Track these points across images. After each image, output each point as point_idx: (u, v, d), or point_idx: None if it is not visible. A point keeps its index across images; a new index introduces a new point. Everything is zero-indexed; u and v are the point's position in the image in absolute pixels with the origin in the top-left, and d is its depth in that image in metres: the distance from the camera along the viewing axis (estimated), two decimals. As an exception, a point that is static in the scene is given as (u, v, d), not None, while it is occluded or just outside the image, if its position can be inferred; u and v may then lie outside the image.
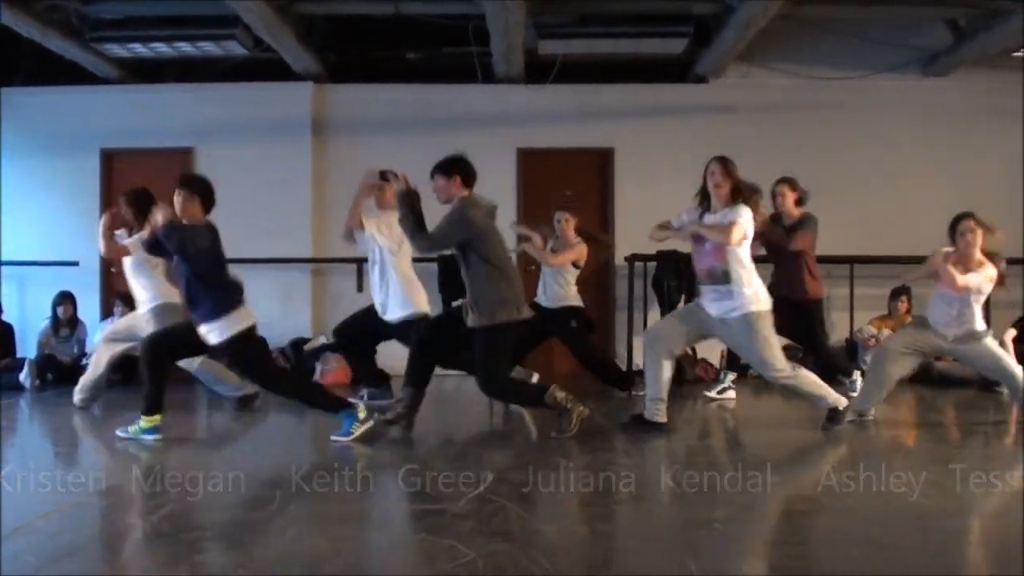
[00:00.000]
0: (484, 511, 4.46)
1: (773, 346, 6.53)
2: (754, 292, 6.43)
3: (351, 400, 6.53)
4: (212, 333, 6.31)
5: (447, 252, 9.74)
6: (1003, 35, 9.61)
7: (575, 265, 8.80)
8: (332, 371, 9.93)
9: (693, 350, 10.25)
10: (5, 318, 10.53)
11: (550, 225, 8.91)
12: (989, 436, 7.20)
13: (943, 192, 10.95)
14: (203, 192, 6.49)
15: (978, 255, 7.05)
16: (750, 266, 6.48)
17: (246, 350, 6.47)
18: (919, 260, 10.63)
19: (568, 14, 9.95)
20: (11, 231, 10.91)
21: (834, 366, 8.64)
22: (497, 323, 6.34)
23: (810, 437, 6.72)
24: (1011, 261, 10.61)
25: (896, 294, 10.36)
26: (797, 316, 8.07)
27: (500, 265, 6.41)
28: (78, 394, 7.97)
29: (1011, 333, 9.47)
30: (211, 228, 6.47)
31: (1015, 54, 10.40)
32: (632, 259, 10.46)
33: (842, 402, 6.75)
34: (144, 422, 6.40)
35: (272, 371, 6.83)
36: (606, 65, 11.05)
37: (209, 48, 10.19)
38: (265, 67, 10.75)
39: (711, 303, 6.55)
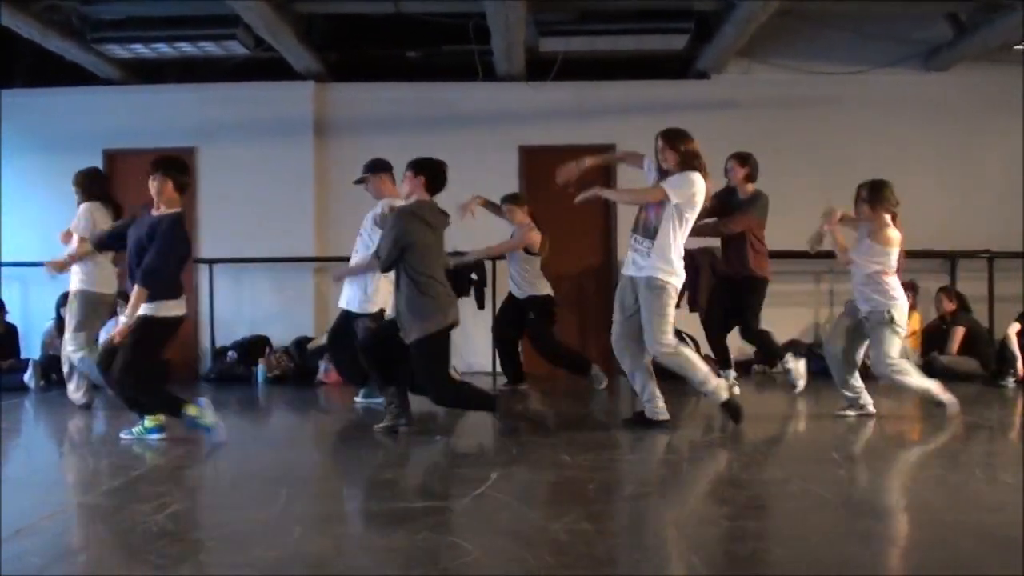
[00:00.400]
0: (487, 508, 4.46)
1: (666, 321, 6.50)
2: (670, 263, 6.46)
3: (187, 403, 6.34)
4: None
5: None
6: (1004, 29, 9.60)
7: (528, 252, 8.84)
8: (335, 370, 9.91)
9: (697, 347, 10.25)
10: (8, 319, 10.54)
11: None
12: (994, 431, 7.19)
13: (945, 187, 10.96)
14: (177, 173, 6.42)
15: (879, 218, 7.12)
16: (680, 241, 6.50)
17: (149, 332, 6.31)
18: (922, 255, 10.70)
19: (568, 11, 9.95)
20: (13, 232, 10.90)
21: (768, 348, 8.65)
22: (426, 335, 6.38)
23: (814, 432, 6.72)
24: (1012, 255, 10.69)
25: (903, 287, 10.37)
26: (740, 292, 8.23)
27: (423, 280, 6.40)
28: (77, 400, 8.01)
29: (1015, 327, 9.44)
30: (183, 215, 6.45)
31: (1016, 48, 10.38)
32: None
33: (722, 392, 6.68)
34: (148, 421, 6.41)
35: (140, 369, 6.41)
36: (607, 62, 11.04)
37: (210, 48, 10.19)
38: (266, 67, 10.75)
39: (631, 257, 6.63)
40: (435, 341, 6.43)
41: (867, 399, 7.24)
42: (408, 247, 6.37)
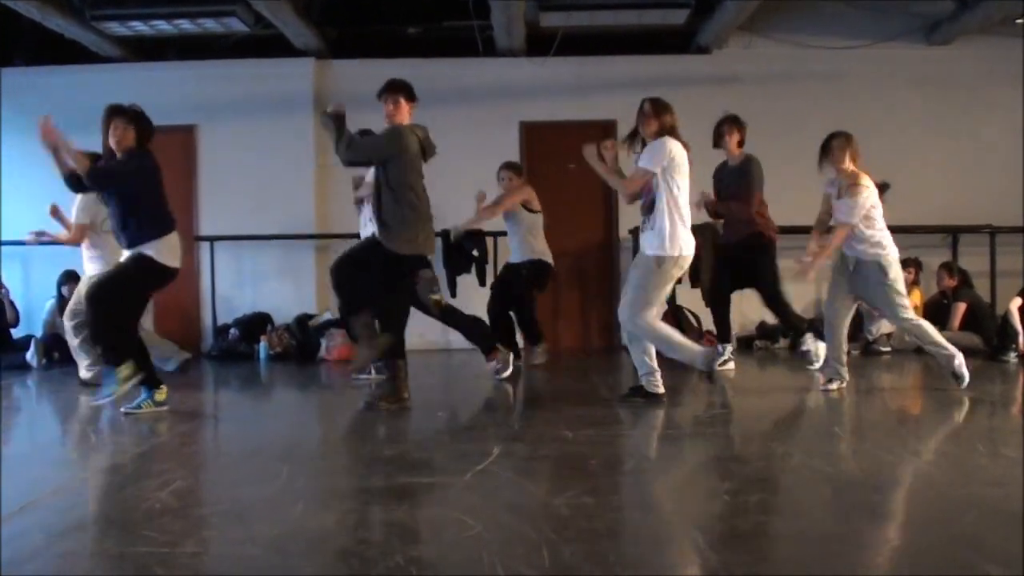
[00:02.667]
0: (490, 484, 4.47)
1: (646, 295, 6.44)
2: (664, 236, 6.37)
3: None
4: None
5: (448, 229, 9.78)
6: (1005, 2, 9.57)
7: (529, 209, 8.78)
8: (338, 347, 9.95)
9: (698, 321, 10.26)
10: (11, 298, 10.54)
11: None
12: (996, 406, 7.19)
13: (946, 161, 10.95)
14: (139, 121, 6.76)
15: (850, 168, 7.05)
16: (676, 211, 6.37)
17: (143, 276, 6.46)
18: (923, 230, 10.69)
19: (569, -14, 9.92)
20: (13, 211, 10.89)
21: (788, 320, 8.53)
22: (400, 254, 6.52)
23: (815, 407, 6.73)
24: (1012, 230, 10.68)
25: (904, 264, 10.37)
26: (746, 254, 8.13)
27: (409, 197, 6.53)
28: (85, 372, 8.02)
29: (1017, 302, 9.43)
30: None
31: (1017, 21, 10.36)
32: (636, 232, 10.44)
33: (657, 388, 6.65)
34: (157, 395, 6.43)
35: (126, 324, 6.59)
36: (607, 37, 11.01)
37: (210, 25, 10.17)
38: (266, 44, 10.74)
39: (641, 235, 6.62)
40: (400, 263, 6.60)
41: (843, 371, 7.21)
42: (400, 158, 6.57)
